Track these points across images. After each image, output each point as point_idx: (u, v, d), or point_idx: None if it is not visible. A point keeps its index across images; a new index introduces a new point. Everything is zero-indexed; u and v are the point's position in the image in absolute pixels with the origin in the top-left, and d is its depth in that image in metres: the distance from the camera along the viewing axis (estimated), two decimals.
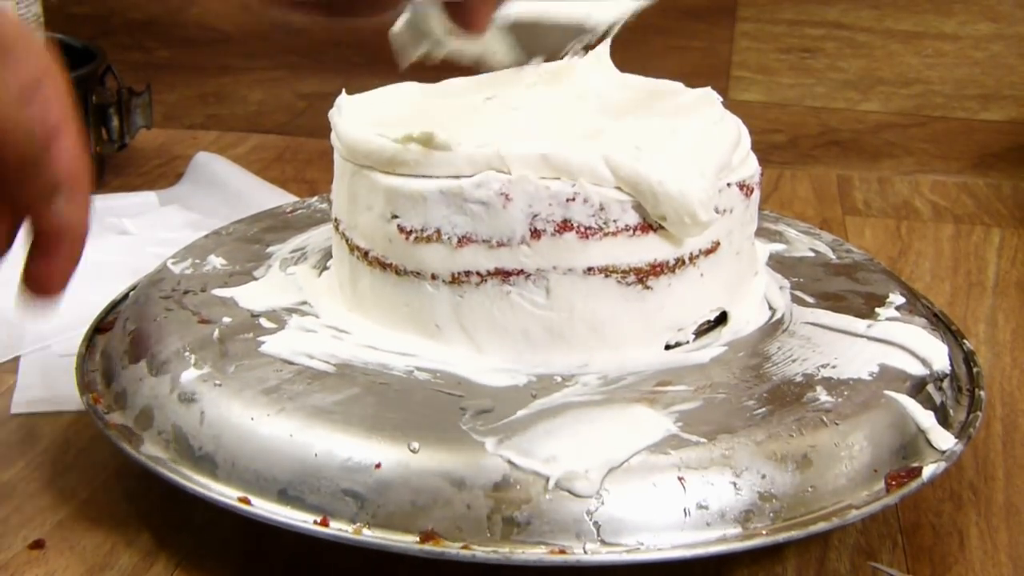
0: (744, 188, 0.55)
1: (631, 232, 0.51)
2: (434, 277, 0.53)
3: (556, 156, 0.51)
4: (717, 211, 0.52)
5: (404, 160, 0.52)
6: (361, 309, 0.56)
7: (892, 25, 1.02)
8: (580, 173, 0.50)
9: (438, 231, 0.52)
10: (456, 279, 0.52)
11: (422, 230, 0.52)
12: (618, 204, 0.51)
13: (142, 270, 0.66)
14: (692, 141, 0.53)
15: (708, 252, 0.53)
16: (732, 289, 0.56)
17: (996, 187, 1.02)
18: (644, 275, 0.52)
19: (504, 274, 0.52)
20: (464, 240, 0.52)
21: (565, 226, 0.51)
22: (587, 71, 0.61)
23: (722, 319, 0.56)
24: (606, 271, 0.52)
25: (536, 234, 0.51)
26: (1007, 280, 0.82)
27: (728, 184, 0.54)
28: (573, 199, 0.51)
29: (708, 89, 0.60)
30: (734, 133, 0.56)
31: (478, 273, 0.52)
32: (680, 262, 0.53)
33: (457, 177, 0.51)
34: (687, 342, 0.55)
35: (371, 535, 0.45)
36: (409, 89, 0.61)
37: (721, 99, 0.59)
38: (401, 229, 0.53)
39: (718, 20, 1.03)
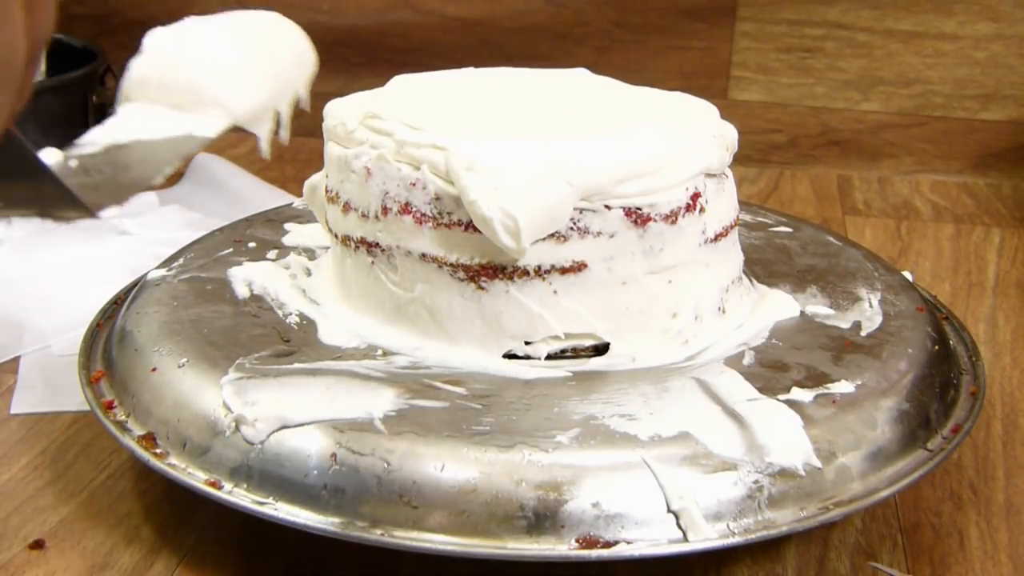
0: (633, 215, 0.52)
1: (463, 228, 0.52)
2: (335, 236, 0.58)
3: (410, 144, 0.53)
4: (586, 233, 0.51)
5: (338, 133, 0.57)
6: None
7: (892, 25, 1.02)
8: (423, 163, 0.52)
9: (336, 194, 0.57)
10: (344, 241, 0.57)
11: (329, 190, 0.58)
12: (453, 199, 0.51)
13: (142, 270, 0.66)
14: (572, 159, 0.51)
15: (565, 271, 0.52)
16: (614, 318, 0.53)
17: (996, 187, 1.02)
18: (475, 274, 0.52)
19: (368, 244, 0.55)
20: (347, 206, 0.56)
21: (406, 208, 0.53)
22: (592, 80, 0.63)
23: (602, 348, 0.54)
24: (438, 261, 0.53)
25: (385, 211, 0.53)
26: (1007, 280, 0.82)
27: (607, 207, 0.52)
28: (415, 184, 0.52)
29: (696, 106, 0.59)
30: (637, 159, 0.52)
31: (354, 240, 0.56)
32: (521, 272, 0.52)
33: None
34: (537, 357, 0.53)
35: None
36: (423, 78, 0.62)
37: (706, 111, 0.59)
38: (326, 188, 0.58)
39: (718, 20, 1.03)
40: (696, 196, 0.53)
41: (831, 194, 0.99)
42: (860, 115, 1.05)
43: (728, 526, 0.45)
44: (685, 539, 0.45)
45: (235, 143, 1.07)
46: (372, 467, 0.46)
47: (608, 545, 0.45)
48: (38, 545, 0.51)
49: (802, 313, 0.58)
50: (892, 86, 1.04)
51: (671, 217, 0.53)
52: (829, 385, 0.51)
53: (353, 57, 1.08)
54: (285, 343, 0.54)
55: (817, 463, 0.47)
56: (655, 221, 0.52)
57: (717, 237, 0.56)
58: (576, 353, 0.53)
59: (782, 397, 0.50)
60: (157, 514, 0.53)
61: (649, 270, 0.53)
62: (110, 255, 0.77)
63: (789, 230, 0.70)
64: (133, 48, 0.51)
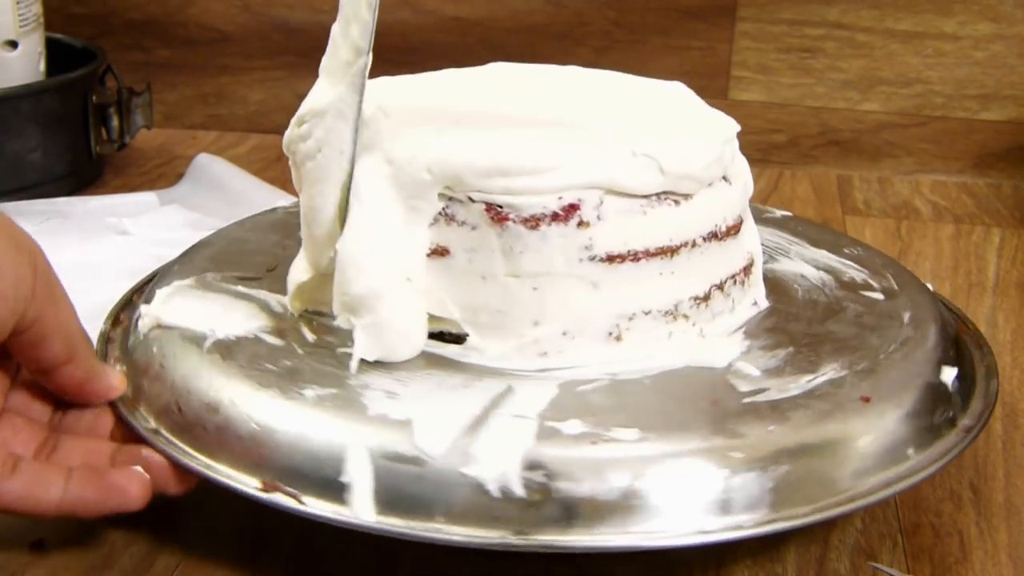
0: (492, 211, 0.51)
1: None
2: None
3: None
4: (452, 220, 0.52)
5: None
6: None
7: (892, 25, 1.02)
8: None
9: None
10: None
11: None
12: None
13: (142, 270, 0.66)
14: (436, 148, 0.52)
15: (430, 253, 0.52)
16: (473, 311, 0.53)
17: (996, 187, 1.02)
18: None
19: None
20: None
21: None
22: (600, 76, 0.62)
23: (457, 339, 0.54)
24: None
25: None
26: (1007, 280, 0.82)
27: (471, 199, 0.51)
28: None
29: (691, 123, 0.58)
30: (501, 157, 0.52)
31: None
32: (440, 251, 0.53)
33: None
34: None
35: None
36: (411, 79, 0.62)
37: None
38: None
39: (718, 20, 1.03)
40: (573, 208, 0.51)
41: (831, 194, 0.99)
42: (860, 115, 1.05)
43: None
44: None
45: (235, 143, 1.07)
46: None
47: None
48: (38, 545, 0.51)
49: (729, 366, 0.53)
50: (892, 86, 1.04)
51: (531, 222, 0.51)
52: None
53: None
54: (268, 271, 0.58)
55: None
56: (513, 222, 0.51)
57: (615, 259, 0.52)
58: (453, 337, 0.54)
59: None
60: (157, 514, 0.53)
61: (508, 271, 0.52)
62: (110, 255, 0.77)
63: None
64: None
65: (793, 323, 0.57)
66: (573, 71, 0.63)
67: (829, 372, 0.52)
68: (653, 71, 0.63)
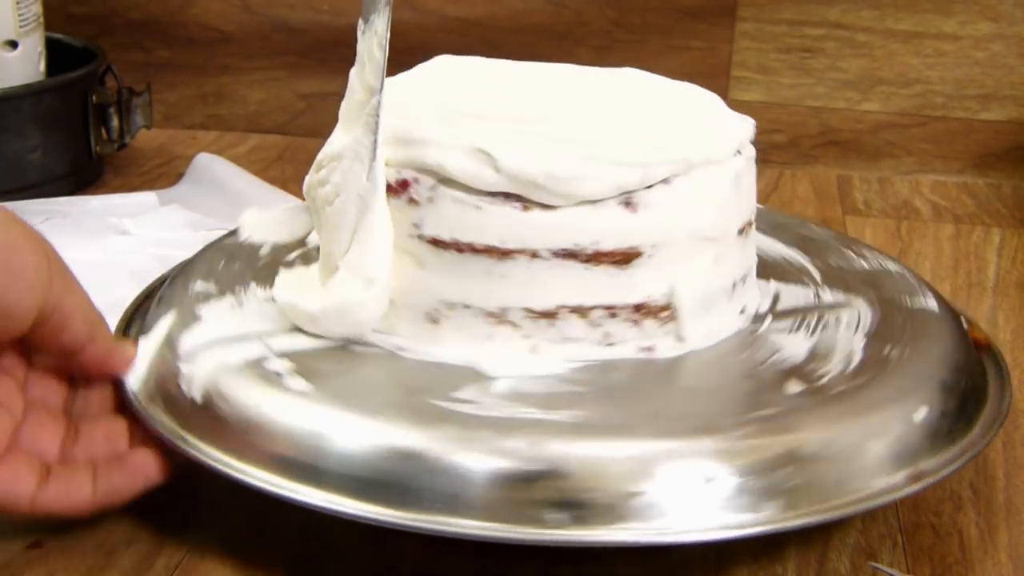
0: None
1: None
2: None
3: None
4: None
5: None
6: None
7: (892, 25, 1.02)
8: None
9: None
10: None
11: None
12: None
13: (142, 270, 0.66)
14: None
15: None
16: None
17: (996, 187, 1.02)
18: None
19: None
20: None
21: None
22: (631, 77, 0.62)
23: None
24: None
25: None
26: (1007, 280, 0.82)
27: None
28: None
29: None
30: (392, 125, 0.54)
31: None
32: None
33: None
34: None
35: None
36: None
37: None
38: None
39: (718, 20, 1.03)
40: (405, 184, 0.53)
41: (831, 194, 0.99)
42: (860, 115, 1.05)
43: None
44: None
45: (235, 143, 1.07)
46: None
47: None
48: (38, 545, 0.51)
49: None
50: (892, 86, 1.04)
51: (388, 187, 0.53)
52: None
53: (353, 57, 1.07)
54: None
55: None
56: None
57: (439, 244, 0.53)
58: None
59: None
60: (157, 514, 0.53)
61: (359, 231, 0.54)
62: (110, 255, 0.77)
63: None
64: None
65: (639, 379, 0.53)
66: (609, 74, 0.62)
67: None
68: (653, 71, 0.63)
